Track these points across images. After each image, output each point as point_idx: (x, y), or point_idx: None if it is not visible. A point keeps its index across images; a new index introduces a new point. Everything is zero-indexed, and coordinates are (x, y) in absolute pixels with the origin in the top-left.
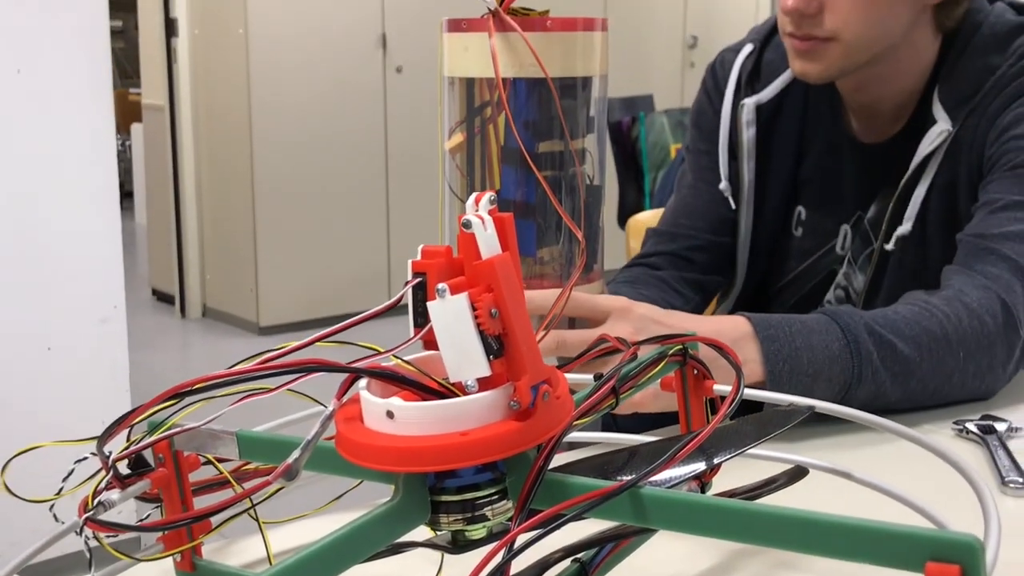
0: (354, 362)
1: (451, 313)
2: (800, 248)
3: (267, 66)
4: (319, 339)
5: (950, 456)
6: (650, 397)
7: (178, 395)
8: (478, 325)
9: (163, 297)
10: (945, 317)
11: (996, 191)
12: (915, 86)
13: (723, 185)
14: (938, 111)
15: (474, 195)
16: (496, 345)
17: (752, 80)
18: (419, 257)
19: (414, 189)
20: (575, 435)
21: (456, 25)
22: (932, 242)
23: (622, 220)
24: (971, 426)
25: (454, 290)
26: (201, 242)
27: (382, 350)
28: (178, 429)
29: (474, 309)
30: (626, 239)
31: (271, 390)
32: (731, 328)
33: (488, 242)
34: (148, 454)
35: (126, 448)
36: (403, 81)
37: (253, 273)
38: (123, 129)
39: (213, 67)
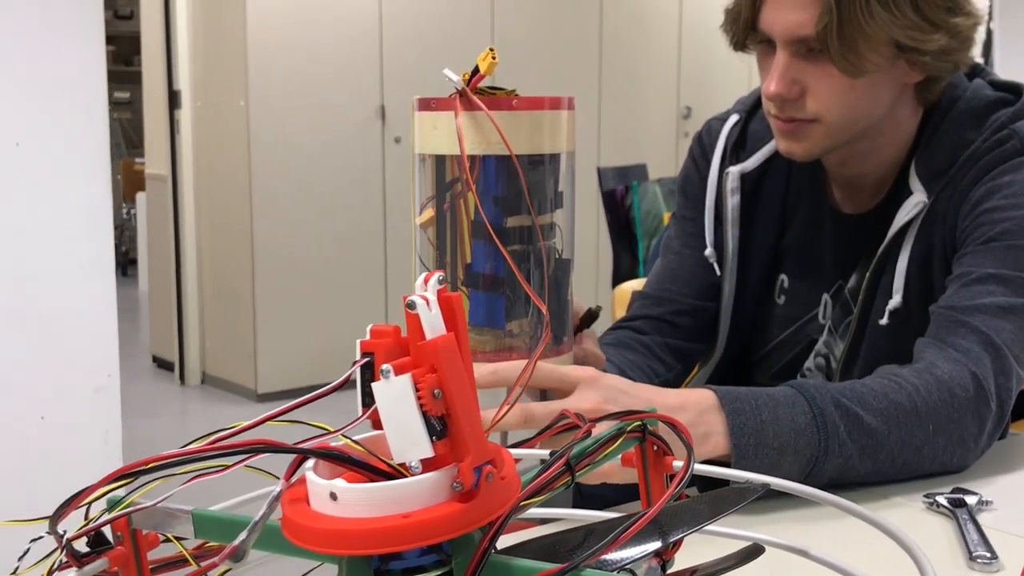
0: (302, 442)
1: (394, 394)
2: (782, 316)
3: (268, 137)
4: (269, 418)
5: (897, 535)
6: (617, 468)
7: (130, 474)
8: (421, 406)
9: (163, 364)
10: (915, 390)
11: (969, 264)
12: (897, 158)
13: (708, 251)
14: (915, 183)
15: (423, 275)
16: (440, 426)
17: (737, 149)
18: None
19: (412, 257)
20: (541, 511)
21: (426, 104)
22: (909, 311)
23: (616, 286)
24: (941, 499)
25: (398, 371)
26: (201, 309)
27: (331, 429)
28: (135, 507)
29: (417, 390)
30: (612, 308)
31: (225, 468)
32: (697, 401)
33: (432, 322)
34: (108, 532)
35: (83, 526)
36: (402, 151)
37: (252, 340)
38: (129, 198)
39: (215, 138)
